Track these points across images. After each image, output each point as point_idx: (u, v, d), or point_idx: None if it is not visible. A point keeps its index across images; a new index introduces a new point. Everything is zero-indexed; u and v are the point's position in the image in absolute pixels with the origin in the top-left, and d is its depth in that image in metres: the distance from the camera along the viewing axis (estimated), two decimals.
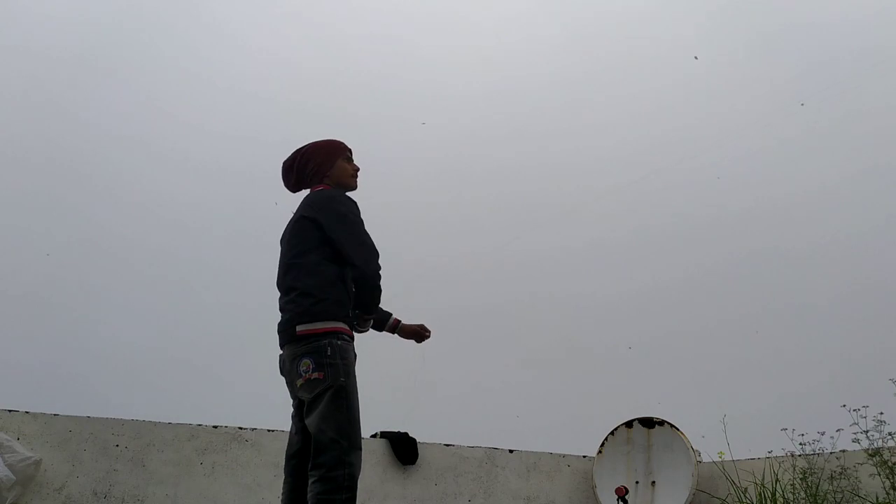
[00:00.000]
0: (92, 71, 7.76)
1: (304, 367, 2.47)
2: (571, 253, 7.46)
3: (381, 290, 2.70)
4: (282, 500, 2.60)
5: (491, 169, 7.96)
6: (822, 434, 3.98)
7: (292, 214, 2.81)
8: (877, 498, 3.59)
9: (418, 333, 3.01)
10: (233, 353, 6.75)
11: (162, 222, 7.44)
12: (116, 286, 7.01)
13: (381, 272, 2.66)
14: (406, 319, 3.00)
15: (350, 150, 2.92)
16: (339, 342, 2.51)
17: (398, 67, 8.31)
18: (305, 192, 2.87)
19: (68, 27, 7.80)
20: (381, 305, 2.83)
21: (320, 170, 2.82)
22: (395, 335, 2.99)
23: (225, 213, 7.55)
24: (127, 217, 7.33)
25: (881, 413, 3.69)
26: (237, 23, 8.53)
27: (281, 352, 2.66)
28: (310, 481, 2.41)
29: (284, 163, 2.91)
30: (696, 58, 6.63)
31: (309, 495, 2.40)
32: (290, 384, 2.62)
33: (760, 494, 3.99)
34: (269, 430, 4.51)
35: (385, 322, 2.94)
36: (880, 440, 3.66)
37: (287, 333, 2.57)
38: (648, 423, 4.87)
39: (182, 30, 8.22)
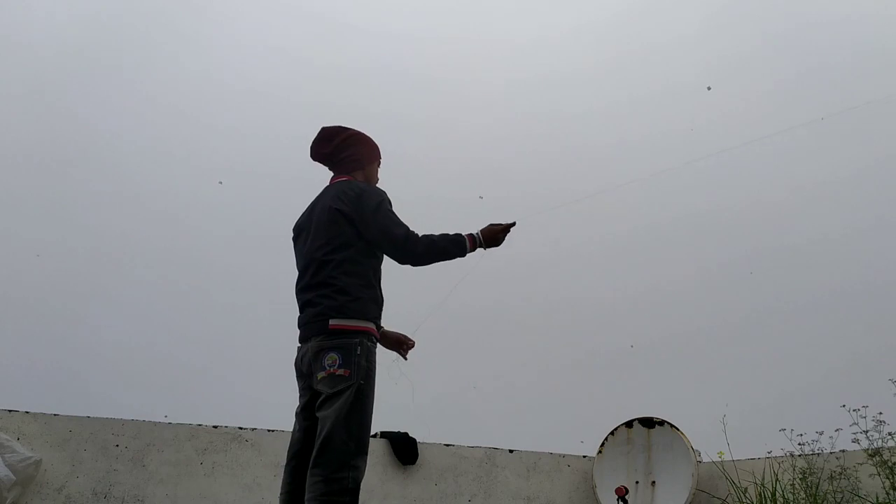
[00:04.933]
0: (94, 68, 7.76)
1: (330, 362, 2.44)
2: (572, 253, 7.46)
3: (424, 244, 2.60)
4: (280, 499, 2.57)
5: (491, 166, 7.97)
6: (821, 434, 3.99)
7: (312, 203, 2.78)
8: (877, 498, 3.59)
9: (401, 342, 2.86)
10: (233, 353, 6.76)
11: (163, 221, 7.44)
12: (117, 286, 7.01)
13: (412, 242, 2.58)
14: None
15: (380, 159, 2.94)
16: (368, 343, 2.50)
17: (408, 62, 8.32)
18: (318, 168, 2.85)
19: (70, 24, 7.81)
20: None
21: (359, 161, 2.81)
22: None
23: (227, 213, 7.55)
24: (127, 216, 7.33)
25: (881, 413, 3.69)
26: (242, 19, 8.53)
27: (300, 345, 2.63)
28: (311, 479, 2.37)
29: (325, 129, 2.84)
30: (709, 88, 6.63)
31: (309, 495, 2.36)
32: (307, 377, 2.57)
33: (760, 494, 3.99)
34: (269, 431, 4.51)
35: None
36: (880, 440, 3.66)
37: (316, 326, 2.52)
38: (648, 423, 4.87)
39: (186, 26, 8.22)
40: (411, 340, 2.90)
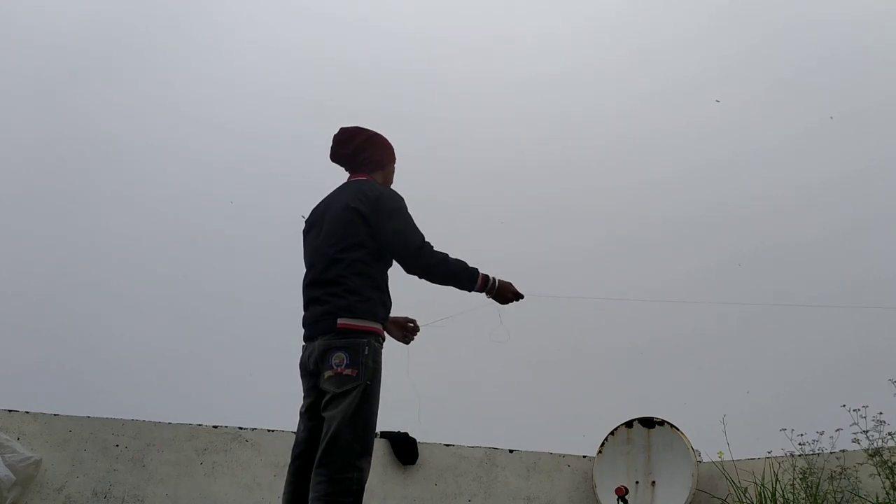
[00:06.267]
0: (97, 67, 7.76)
1: (338, 361, 2.43)
2: (572, 252, 7.46)
3: (438, 258, 2.58)
4: (283, 499, 2.57)
5: (492, 167, 7.97)
6: (822, 434, 3.99)
7: (325, 200, 2.79)
8: (877, 498, 3.59)
9: (404, 327, 2.84)
10: (234, 352, 6.75)
11: (163, 220, 7.43)
12: (117, 286, 7.01)
13: (426, 253, 2.56)
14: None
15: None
16: (375, 343, 2.50)
17: (411, 61, 8.31)
18: (335, 169, 2.86)
19: (72, 23, 7.80)
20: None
21: (378, 162, 2.83)
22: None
23: (228, 213, 7.54)
24: (128, 215, 7.33)
25: (881, 413, 3.69)
26: (247, 19, 8.52)
27: (304, 344, 2.62)
28: (315, 479, 2.36)
29: (344, 130, 2.85)
30: (717, 101, 6.65)
31: (313, 494, 2.35)
32: (312, 376, 2.56)
33: (760, 494, 3.99)
34: (269, 431, 4.51)
35: None
36: (880, 440, 3.66)
37: (324, 324, 2.51)
38: (648, 423, 4.86)
39: (191, 26, 8.22)
40: (412, 322, 2.87)
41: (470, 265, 2.66)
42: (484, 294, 2.72)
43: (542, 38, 8.44)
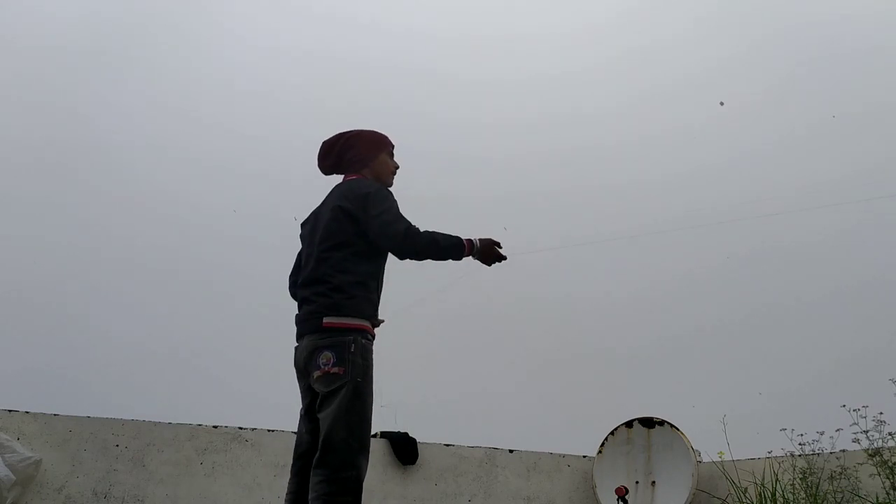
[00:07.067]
0: (97, 68, 7.76)
1: (325, 360, 2.43)
2: (572, 253, 7.45)
3: (424, 241, 2.55)
4: (286, 500, 2.57)
5: (491, 164, 7.96)
6: (822, 434, 3.99)
7: (322, 201, 2.79)
8: (877, 498, 3.59)
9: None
10: (233, 353, 6.75)
11: (163, 221, 7.43)
12: (117, 286, 7.01)
13: (411, 238, 2.53)
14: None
15: (393, 147, 2.92)
16: (363, 340, 2.49)
17: (410, 62, 8.30)
18: (336, 178, 2.87)
19: (73, 24, 7.79)
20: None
21: (363, 159, 2.81)
22: (473, 259, 2.73)
23: (228, 213, 7.54)
24: (129, 217, 7.32)
25: (881, 413, 3.69)
26: (248, 19, 8.51)
27: (297, 344, 2.62)
28: (314, 479, 2.37)
29: (325, 143, 2.88)
30: (721, 103, 6.65)
31: (312, 495, 2.36)
32: (304, 377, 2.57)
33: (760, 494, 3.99)
34: (269, 430, 4.51)
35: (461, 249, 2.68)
36: (880, 440, 3.66)
37: (311, 323, 2.52)
38: (648, 423, 4.87)
39: (191, 26, 8.21)
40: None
41: (452, 236, 2.64)
42: (471, 258, 2.71)
43: (542, 38, 8.44)
